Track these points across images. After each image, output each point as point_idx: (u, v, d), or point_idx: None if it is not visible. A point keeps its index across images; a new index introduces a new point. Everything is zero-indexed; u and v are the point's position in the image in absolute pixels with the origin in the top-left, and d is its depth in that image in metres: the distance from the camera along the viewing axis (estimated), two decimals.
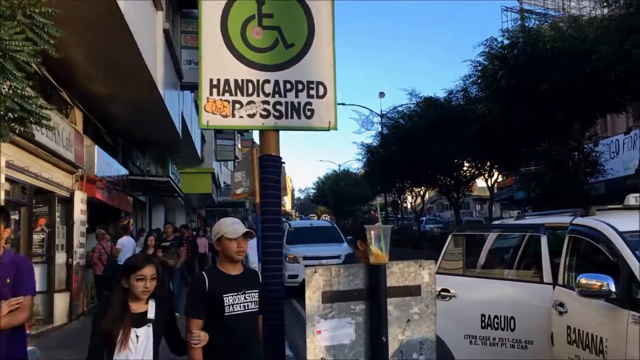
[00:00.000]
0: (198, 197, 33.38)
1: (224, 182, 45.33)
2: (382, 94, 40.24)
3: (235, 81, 2.28)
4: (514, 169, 26.66)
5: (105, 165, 13.37)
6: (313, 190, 76.25)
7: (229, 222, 3.25)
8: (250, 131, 61.70)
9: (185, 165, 27.96)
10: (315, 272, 1.97)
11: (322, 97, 2.34)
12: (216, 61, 2.29)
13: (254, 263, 14.82)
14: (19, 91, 5.09)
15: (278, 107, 2.29)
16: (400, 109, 28.96)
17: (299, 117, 2.32)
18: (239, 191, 8.18)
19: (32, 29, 5.20)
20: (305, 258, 14.27)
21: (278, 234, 2.23)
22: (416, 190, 33.50)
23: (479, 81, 20.15)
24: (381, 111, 37.58)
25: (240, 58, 2.29)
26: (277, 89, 2.29)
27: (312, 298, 1.91)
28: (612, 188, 22.15)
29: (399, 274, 2.05)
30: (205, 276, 3.33)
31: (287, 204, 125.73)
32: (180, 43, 16.87)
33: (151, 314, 3.20)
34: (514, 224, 6.51)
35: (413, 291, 2.05)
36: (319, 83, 2.34)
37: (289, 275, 14.07)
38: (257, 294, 3.32)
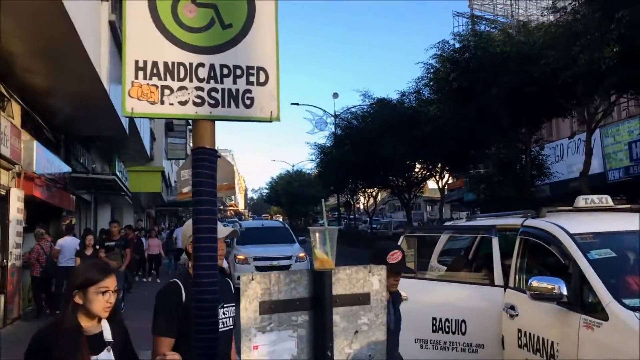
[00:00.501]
0: (147, 196, 32.55)
1: (174, 181, 44.42)
2: (335, 95, 40.26)
3: (165, 64, 2.03)
4: (464, 171, 27.07)
5: (46, 161, 12.74)
6: (266, 190, 75.71)
7: None
8: None
9: (134, 163, 27.16)
10: (252, 279, 1.75)
11: (264, 84, 2.11)
12: (143, 40, 2.04)
13: None
14: None
15: (213, 94, 2.05)
16: (353, 109, 28.98)
17: (237, 106, 2.08)
18: (185, 190, 7.86)
19: None
20: (255, 259, 14.00)
21: (212, 236, 1.99)
22: (369, 191, 33.59)
23: (431, 83, 20.31)
24: (335, 112, 37.57)
25: (171, 38, 2.04)
26: (212, 74, 2.05)
27: (249, 309, 1.68)
28: (557, 191, 22.78)
29: (346, 280, 1.85)
30: (181, 285, 2.81)
31: (240, 203, 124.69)
32: None
33: (108, 335, 2.59)
34: (465, 225, 6.44)
35: (362, 300, 1.85)
36: (259, 69, 2.12)
37: (239, 277, 13.75)
38: (233, 308, 2.96)
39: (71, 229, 12.76)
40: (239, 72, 2.05)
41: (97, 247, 10.84)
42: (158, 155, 32.02)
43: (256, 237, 15.40)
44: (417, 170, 28.69)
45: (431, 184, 34.81)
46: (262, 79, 2.08)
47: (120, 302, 10.37)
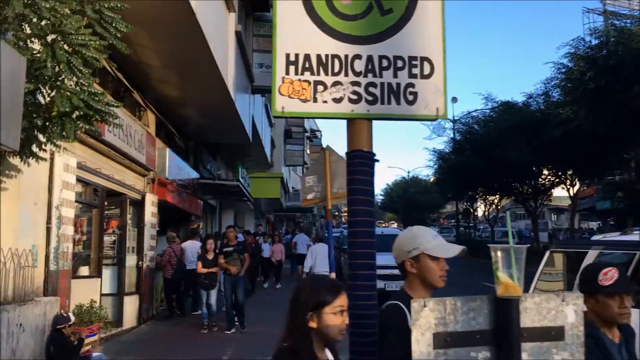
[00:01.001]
0: (267, 202, 33.43)
1: (293, 188, 45.39)
2: (454, 99, 39.16)
3: (318, 57, 1.82)
4: (597, 178, 25.04)
5: (177, 168, 13.34)
6: (381, 197, 75.21)
7: (430, 235, 2.48)
8: (319, 136, 61.82)
9: (255, 169, 28.01)
10: (425, 305, 1.46)
11: (428, 76, 1.84)
12: (294, 32, 1.84)
13: (324, 272, 14.36)
14: (85, 88, 4.88)
15: (371, 89, 1.81)
16: (474, 114, 27.88)
17: (399, 103, 1.82)
18: (309, 196, 7.75)
19: (100, 24, 4.98)
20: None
21: (370, 245, 1.74)
22: (490, 198, 32.13)
23: (563, 84, 18.98)
24: (454, 117, 36.51)
25: (325, 27, 1.82)
26: (370, 67, 1.81)
27: (421, 341, 1.41)
28: None
29: (535, 310, 1.53)
30: (404, 308, 2.32)
31: None
32: (252, 46, 16.76)
33: None
34: (620, 240, 5.73)
35: (554, 334, 1.51)
36: (423, 59, 1.84)
37: None
38: None
39: (195, 233, 13.24)
40: (400, 63, 1.79)
41: (217, 252, 10.87)
42: (277, 162, 32.83)
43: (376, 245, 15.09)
44: (544, 176, 26.98)
45: (557, 191, 32.59)
46: (426, 70, 1.80)
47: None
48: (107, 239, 10.07)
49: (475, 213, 39.33)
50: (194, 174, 15.55)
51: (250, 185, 24.16)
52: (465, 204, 35.01)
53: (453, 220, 76.47)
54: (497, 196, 31.57)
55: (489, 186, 29.27)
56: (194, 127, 14.95)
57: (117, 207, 10.42)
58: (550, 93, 21.26)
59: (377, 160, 2.00)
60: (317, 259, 13.43)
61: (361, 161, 1.76)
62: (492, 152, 23.48)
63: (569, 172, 24.54)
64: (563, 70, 18.43)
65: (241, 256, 10.57)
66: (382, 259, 12.64)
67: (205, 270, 10.32)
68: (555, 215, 62.56)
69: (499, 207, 32.22)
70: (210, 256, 10.50)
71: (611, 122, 15.86)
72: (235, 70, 13.21)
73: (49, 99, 4.96)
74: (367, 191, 1.75)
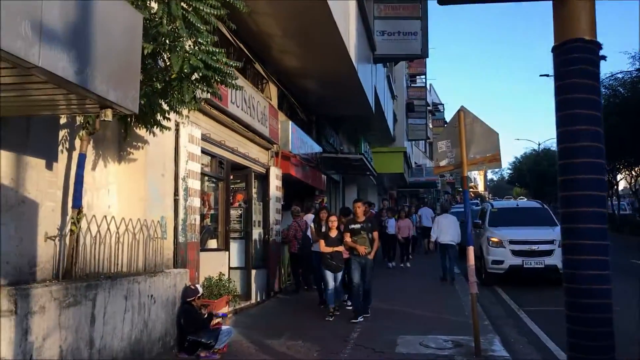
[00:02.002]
0: (389, 177, 32.80)
1: (415, 163, 44.36)
2: (603, 57, 35.81)
3: None
4: None
5: (300, 141, 13.14)
6: (509, 171, 71.57)
7: None
8: (442, 110, 59.81)
9: (377, 144, 27.47)
10: None
11: None
12: None
13: (450, 242, 13.65)
14: (203, 47, 4.57)
15: None
16: (619, 75, 25.17)
17: None
18: (442, 163, 7.07)
19: None
20: (512, 242, 12.67)
21: (599, 193, 1.12)
22: (637, 169, 29.08)
23: None
24: None
25: None
26: None
27: None
28: None
29: None
30: None
31: (480, 185, 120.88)
32: (374, 14, 16.11)
33: None
34: None
35: None
36: None
37: (493, 261, 12.64)
38: None
39: (309, 208, 12.87)
40: None
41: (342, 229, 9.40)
42: (399, 137, 32.03)
43: (511, 218, 14.01)
44: None
45: None
46: None
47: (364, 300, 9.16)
48: (234, 213, 10.05)
49: (616, 186, 35.90)
50: (317, 148, 15.32)
51: (372, 160, 23.63)
52: (609, 175, 32.03)
53: None
54: None
55: (637, 155, 26.44)
56: (315, 100, 14.67)
57: (242, 181, 10.38)
58: None
59: (604, 58, 1.37)
60: (442, 229, 13.37)
61: (580, 56, 1.15)
62: None
63: None
64: None
65: (370, 235, 8.95)
66: (519, 233, 11.58)
67: (330, 249, 8.89)
68: None
69: None
70: (333, 234, 9.05)
71: None
72: (356, 38, 12.69)
73: (168, 62, 4.74)
74: (592, 102, 1.13)
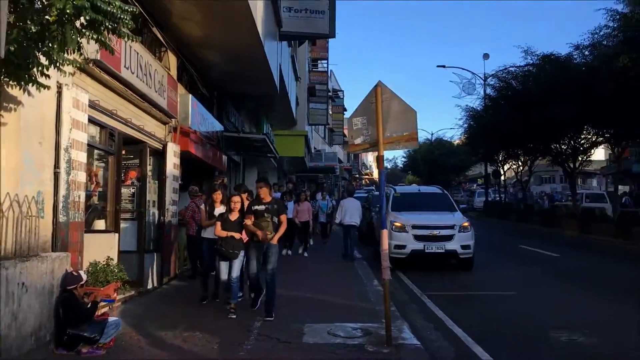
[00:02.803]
0: (290, 161, 32.44)
1: (315, 148, 44.30)
2: (486, 56, 37.50)
3: None
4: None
5: (200, 117, 12.30)
6: (404, 159, 73.77)
7: None
8: (341, 97, 60.19)
9: (279, 127, 26.95)
10: None
11: None
12: None
13: (353, 223, 14.59)
14: None
15: None
16: (512, 69, 26.26)
17: None
18: (358, 141, 6.66)
19: None
20: (414, 227, 12.66)
21: None
22: (524, 159, 30.65)
23: (615, 33, 17.43)
24: (484, 74, 34.86)
25: None
26: None
27: None
28: None
29: None
30: None
31: (375, 172, 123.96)
32: None
33: None
34: None
35: None
36: None
37: (396, 245, 12.54)
38: None
39: (225, 187, 12.10)
40: None
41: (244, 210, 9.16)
42: (301, 121, 31.71)
43: (413, 203, 14.05)
44: (584, 135, 25.49)
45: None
46: None
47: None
48: (125, 191, 9.13)
49: (504, 176, 37.83)
50: (218, 126, 14.52)
51: (274, 142, 23.05)
52: (497, 164, 33.58)
53: (476, 184, 75.01)
54: (531, 157, 30.05)
55: (525, 146, 27.84)
56: (218, 74, 13.84)
57: (136, 156, 9.44)
58: (599, 43, 19.58)
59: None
60: (347, 212, 14.45)
61: None
62: (532, 110, 22.04)
63: (611, 132, 22.96)
64: (617, 17, 16.85)
65: (276, 219, 7.80)
66: (422, 218, 11.48)
67: (224, 234, 7.70)
68: (580, 179, 60.78)
69: (532, 169, 30.76)
70: (233, 217, 7.88)
71: None
72: (263, 11, 12.02)
73: (47, 1, 3.88)
74: None
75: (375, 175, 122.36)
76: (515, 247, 18.52)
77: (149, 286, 9.33)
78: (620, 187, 51.93)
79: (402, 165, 76.34)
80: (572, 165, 25.74)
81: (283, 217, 7.87)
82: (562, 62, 22.16)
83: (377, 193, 21.52)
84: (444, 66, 37.10)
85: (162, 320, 7.30)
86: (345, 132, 69.17)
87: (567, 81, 20.73)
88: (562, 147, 26.06)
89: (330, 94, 50.57)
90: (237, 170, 19.96)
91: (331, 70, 55.84)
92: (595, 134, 24.09)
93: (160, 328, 6.86)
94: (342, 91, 63.48)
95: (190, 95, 11.36)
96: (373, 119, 6.50)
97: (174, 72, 10.90)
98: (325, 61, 42.58)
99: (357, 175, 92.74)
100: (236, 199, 8.07)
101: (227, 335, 6.59)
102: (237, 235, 7.76)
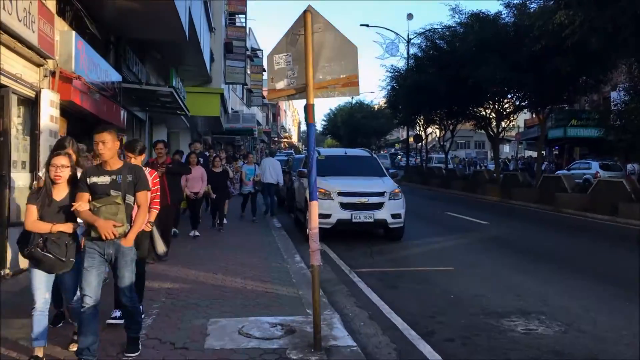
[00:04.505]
0: (204, 121, 30.25)
1: (232, 109, 42.05)
2: (410, 16, 36.52)
3: None
4: (564, 103, 23.26)
5: (90, 63, 10.23)
6: (323, 122, 72.74)
7: None
8: (260, 56, 57.73)
9: (192, 83, 24.75)
10: None
11: None
12: None
13: (275, 181, 14.59)
14: None
15: None
16: (438, 28, 25.26)
17: None
18: (280, 85, 5.08)
19: None
20: (341, 194, 11.34)
21: None
22: (446, 122, 30.08)
23: None
24: (408, 35, 33.88)
25: None
26: None
27: None
28: None
29: None
30: None
31: (294, 136, 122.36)
32: None
33: None
34: None
35: None
36: None
37: (320, 214, 11.04)
38: None
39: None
40: None
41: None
42: (216, 79, 29.59)
43: (338, 167, 12.67)
44: (507, 100, 25.10)
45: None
46: None
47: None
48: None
49: (426, 140, 37.46)
50: (116, 76, 12.41)
51: (186, 99, 20.95)
52: (420, 128, 32.93)
53: (393, 149, 75.20)
54: (453, 120, 29.52)
55: (449, 109, 27.17)
56: (114, 14, 11.66)
57: None
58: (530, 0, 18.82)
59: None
60: (266, 170, 14.65)
61: None
62: (460, 70, 21.17)
63: (534, 96, 22.52)
64: None
65: (131, 198, 4.53)
66: (349, 183, 9.91)
67: (46, 228, 4.38)
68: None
69: (454, 133, 30.32)
70: (60, 192, 4.52)
71: (610, 31, 13.68)
72: None
73: None
74: None
75: (295, 139, 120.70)
76: (442, 214, 17.72)
77: (18, 268, 7.43)
78: (528, 152, 53.52)
79: (321, 129, 75.08)
80: (495, 130, 25.33)
81: (142, 197, 4.56)
82: (491, 20, 21.34)
83: (298, 156, 20.16)
84: (367, 25, 35.82)
85: (21, 314, 5.50)
86: (265, 93, 67.08)
87: (495, 41, 19.96)
88: (487, 111, 25.57)
89: (248, 53, 48.15)
90: (142, 128, 17.80)
91: (250, 28, 53.21)
92: (519, 97, 23.63)
93: (16, 328, 5.11)
94: (262, 50, 61.01)
95: (73, 33, 9.27)
96: (301, 57, 4.94)
97: (51, 3, 8.77)
98: (244, 16, 40.12)
99: (277, 139, 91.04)
100: (61, 159, 4.51)
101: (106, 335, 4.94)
102: (66, 228, 4.44)
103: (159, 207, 5.72)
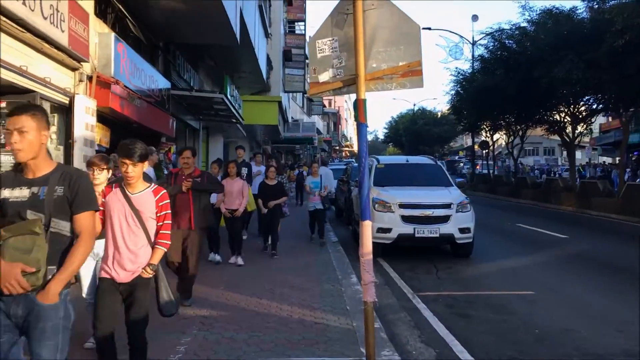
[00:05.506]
0: (263, 131, 29.74)
1: (292, 118, 41.54)
2: (475, 17, 34.91)
3: None
4: None
5: (133, 67, 9.64)
6: (385, 130, 71.40)
7: None
8: None
9: (249, 91, 24.23)
10: None
11: None
12: None
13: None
14: None
15: None
16: (506, 28, 23.70)
17: None
18: (324, 77, 4.13)
19: None
20: (402, 206, 10.25)
21: None
22: (515, 128, 28.27)
23: None
24: (473, 37, 32.35)
25: None
26: None
27: None
28: None
29: None
30: None
31: (355, 145, 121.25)
32: None
33: None
34: None
35: None
36: None
37: (379, 229, 10.14)
38: None
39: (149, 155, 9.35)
40: None
41: None
42: (275, 87, 29.09)
43: (399, 176, 11.61)
44: (583, 102, 23.20)
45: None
46: None
47: None
48: (5, 160, 6.52)
49: (493, 146, 35.61)
50: (163, 82, 11.84)
51: (242, 107, 20.39)
52: (487, 134, 31.17)
53: (457, 156, 72.74)
54: (523, 125, 27.68)
55: (518, 113, 25.45)
56: (161, 17, 11.12)
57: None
58: None
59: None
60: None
61: None
62: (531, 71, 19.61)
63: (613, 97, 20.55)
64: None
65: (63, 224, 2.89)
66: (411, 194, 8.66)
67: None
68: (565, 151, 59.23)
69: (524, 138, 28.48)
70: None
71: None
72: None
73: None
74: None
75: (356, 148, 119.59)
76: (512, 226, 16.25)
77: None
78: (602, 159, 50.15)
79: (383, 137, 73.81)
80: (570, 135, 23.45)
81: (84, 221, 2.89)
82: (566, 15, 19.70)
83: (356, 165, 19.11)
84: (429, 28, 34.50)
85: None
86: (325, 102, 66.30)
87: (571, 37, 18.34)
88: (561, 114, 23.75)
89: (308, 61, 47.68)
90: (196, 137, 17.30)
91: (310, 36, 52.95)
92: (597, 99, 21.73)
93: None
94: None
95: (113, 35, 8.68)
96: (349, 41, 3.98)
97: (88, 3, 8.21)
98: (303, 23, 39.63)
99: (337, 147, 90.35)
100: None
101: None
102: None
103: (168, 242, 3.95)
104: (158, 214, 3.89)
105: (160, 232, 3.91)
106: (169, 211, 3.97)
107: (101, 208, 3.75)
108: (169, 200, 3.98)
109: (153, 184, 3.99)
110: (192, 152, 6.86)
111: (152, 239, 3.86)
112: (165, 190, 3.97)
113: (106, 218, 3.82)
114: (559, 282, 8.63)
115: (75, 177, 2.89)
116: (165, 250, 3.93)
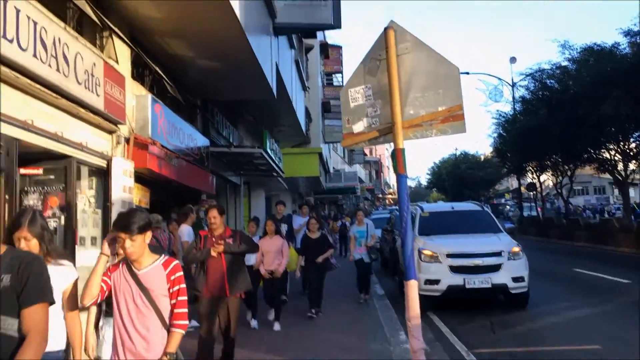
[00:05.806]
0: (304, 183, 29.69)
1: (333, 168, 41.55)
2: (513, 59, 34.55)
3: None
4: None
5: (170, 127, 9.67)
6: (428, 176, 70.69)
7: None
8: None
9: (289, 144, 24.32)
10: None
11: None
12: None
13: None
14: None
15: None
16: (546, 68, 23.28)
17: None
18: (358, 127, 3.89)
19: None
20: (450, 256, 9.79)
21: None
22: (563, 167, 27.38)
23: None
24: (512, 79, 31.96)
25: None
26: None
27: None
28: None
29: None
30: None
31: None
32: None
33: None
34: None
35: None
36: None
37: (427, 280, 9.68)
38: None
39: (187, 213, 9.20)
40: None
41: None
42: (315, 139, 29.17)
43: (445, 225, 11.17)
44: (633, 139, 22.34)
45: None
46: None
47: None
48: None
49: (540, 187, 34.52)
50: (202, 140, 11.87)
51: (282, 160, 20.37)
52: (535, 175, 30.28)
53: (503, 199, 71.10)
54: (571, 165, 26.79)
55: (565, 153, 24.68)
56: (197, 76, 11.26)
57: (58, 177, 6.77)
58: None
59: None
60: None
61: None
62: (576, 110, 19.03)
63: None
64: None
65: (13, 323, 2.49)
66: (459, 243, 8.22)
67: None
68: (617, 189, 57.09)
69: (572, 178, 27.50)
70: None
71: None
72: None
73: None
74: None
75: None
76: (569, 271, 15.41)
77: None
78: None
79: (426, 183, 72.99)
80: (623, 173, 22.50)
81: (34, 316, 2.41)
82: (608, 52, 19.20)
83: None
84: (467, 73, 34.26)
85: None
86: (366, 151, 66.36)
87: (616, 73, 17.79)
88: (610, 152, 22.91)
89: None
90: (238, 193, 17.27)
91: None
92: None
93: None
94: None
95: (150, 96, 8.74)
96: (384, 88, 3.74)
97: (125, 67, 8.31)
98: (340, 74, 40.08)
99: (380, 196, 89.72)
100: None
101: None
102: None
103: (186, 322, 3.48)
104: (171, 290, 3.42)
105: (175, 311, 3.42)
106: (184, 285, 3.46)
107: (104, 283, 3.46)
108: (182, 273, 3.47)
109: (163, 256, 3.51)
110: (220, 210, 6.29)
111: (167, 321, 3.43)
112: (177, 262, 3.49)
113: (113, 300, 3.47)
114: (626, 332, 7.94)
115: (26, 262, 2.44)
116: (183, 332, 3.45)
